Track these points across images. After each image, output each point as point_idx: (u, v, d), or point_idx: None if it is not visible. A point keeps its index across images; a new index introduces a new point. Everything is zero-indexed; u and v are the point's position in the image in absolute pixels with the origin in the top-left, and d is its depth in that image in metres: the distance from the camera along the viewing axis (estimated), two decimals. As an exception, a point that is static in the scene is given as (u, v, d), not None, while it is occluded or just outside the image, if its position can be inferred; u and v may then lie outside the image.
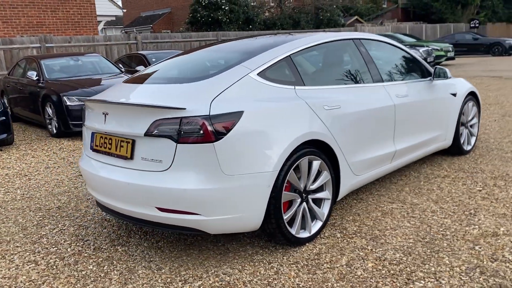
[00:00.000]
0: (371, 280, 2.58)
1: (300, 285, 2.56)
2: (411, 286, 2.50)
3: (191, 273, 2.77)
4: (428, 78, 4.42)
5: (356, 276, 2.63)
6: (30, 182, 4.89)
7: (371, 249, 2.94)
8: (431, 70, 4.48)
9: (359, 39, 3.85)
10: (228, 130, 2.61)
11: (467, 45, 24.32)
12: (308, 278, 2.64)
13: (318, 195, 3.13)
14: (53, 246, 3.23)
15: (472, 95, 5.04)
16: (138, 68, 10.00)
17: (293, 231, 2.95)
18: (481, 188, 3.96)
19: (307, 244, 3.06)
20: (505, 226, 3.19)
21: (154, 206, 2.71)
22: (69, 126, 7.17)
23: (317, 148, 3.07)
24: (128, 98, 3.02)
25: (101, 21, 17.67)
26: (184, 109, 2.61)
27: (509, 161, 4.72)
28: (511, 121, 6.76)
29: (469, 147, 5.08)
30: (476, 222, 3.28)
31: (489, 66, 16.95)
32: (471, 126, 5.14)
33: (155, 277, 2.75)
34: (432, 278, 2.56)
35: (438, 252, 2.86)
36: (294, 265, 2.80)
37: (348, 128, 3.31)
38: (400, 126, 3.89)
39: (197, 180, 2.61)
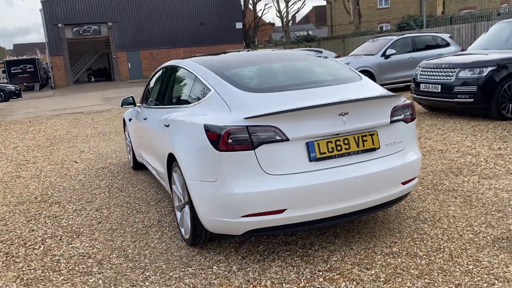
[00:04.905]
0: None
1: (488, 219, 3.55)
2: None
3: (378, 251, 3.18)
4: None
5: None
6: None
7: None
8: None
9: None
10: None
11: None
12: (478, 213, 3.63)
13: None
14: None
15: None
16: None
17: None
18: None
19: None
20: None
21: (400, 182, 3.22)
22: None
23: None
24: (336, 98, 3.15)
25: None
26: (399, 96, 3.32)
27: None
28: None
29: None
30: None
31: (44, 106, 17.31)
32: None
33: (365, 272, 2.92)
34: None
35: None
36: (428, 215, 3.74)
37: None
38: None
39: (418, 148, 3.50)
